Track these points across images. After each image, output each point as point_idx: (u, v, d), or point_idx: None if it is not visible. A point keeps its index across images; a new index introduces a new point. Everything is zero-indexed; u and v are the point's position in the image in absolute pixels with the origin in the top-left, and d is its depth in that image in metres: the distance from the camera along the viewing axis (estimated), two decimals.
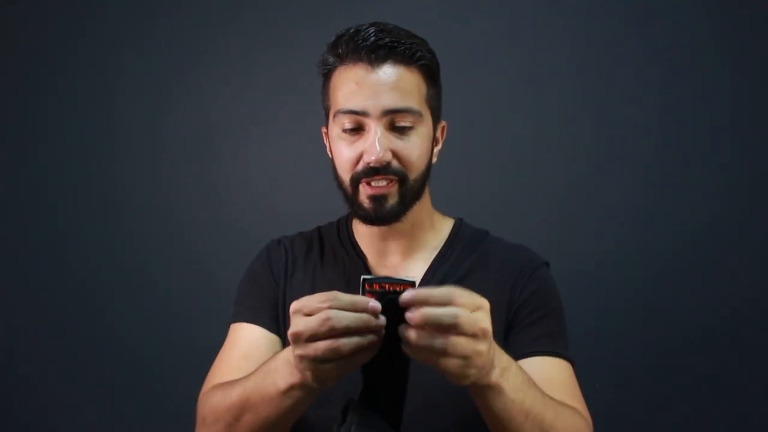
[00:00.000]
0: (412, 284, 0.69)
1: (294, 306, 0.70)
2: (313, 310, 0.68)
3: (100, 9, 1.84)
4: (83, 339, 1.80)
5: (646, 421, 1.65)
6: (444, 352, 0.66)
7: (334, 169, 1.02)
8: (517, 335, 1.00)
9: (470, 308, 0.67)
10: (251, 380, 0.82)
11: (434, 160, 1.05)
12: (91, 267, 1.81)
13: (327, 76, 1.02)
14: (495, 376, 0.73)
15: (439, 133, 1.06)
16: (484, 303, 0.69)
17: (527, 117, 1.73)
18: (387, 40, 0.95)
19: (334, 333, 0.66)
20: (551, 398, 0.83)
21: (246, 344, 1.01)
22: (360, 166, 0.96)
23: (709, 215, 1.66)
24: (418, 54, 0.97)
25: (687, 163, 1.68)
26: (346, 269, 1.06)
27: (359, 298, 0.68)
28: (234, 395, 0.84)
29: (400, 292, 0.68)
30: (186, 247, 1.80)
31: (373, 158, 0.94)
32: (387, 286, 0.69)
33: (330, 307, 0.67)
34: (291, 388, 0.75)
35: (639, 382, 1.66)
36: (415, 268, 1.04)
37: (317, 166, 1.73)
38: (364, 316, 0.67)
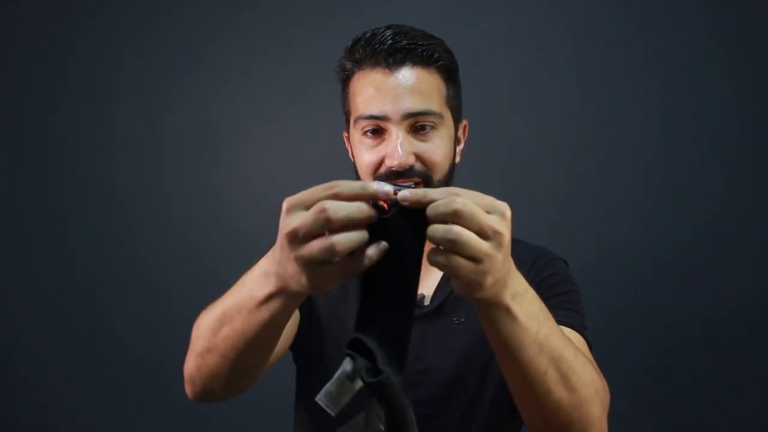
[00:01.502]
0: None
1: (288, 201, 0.62)
2: (311, 202, 0.60)
3: (100, 9, 1.84)
4: (83, 339, 1.80)
5: (646, 421, 1.65)
6: (452, 245, 0.60)
7: (356, 173, 1.01)
8: None
9: (480, 206, 0.61)
10: (230, 294, 0.77)
11: (458, 159, 1.03)
12: (91, 267, 1.81)
13: (345, 81, 1.00)
14: (506, 298, 0.66)
15: (460, 133, 1.05)
16: (501, 207, 0.63)
17: (527, 117, 1.73)
18: (404, 42, 0.94)
19: (331, 227, 0.59)
20: (571, 341, 0.75)
21: None
22: (382, 170, 0.95)
23: (709, 215, 1.66)
24: (436, 55, 0.95)
25: (687, 163, 1.68)
26: None
27: (368, 183, 0.60)
28: (214, 311, 0.79)
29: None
30: (186, 247, 1.80)
31: (395, 162, 0.92)
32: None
33: (330, 197, 0.59)
34: (269, 297, 0.69)
35: (639, 382, 1.66)
36: (437, 270, 1.03)
37: (318, 166, 1.73)
38: (365, 205, 0.59)
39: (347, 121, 1.03)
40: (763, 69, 1.67)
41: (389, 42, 0.94)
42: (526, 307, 0.68)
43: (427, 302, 1.00)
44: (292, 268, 0.63)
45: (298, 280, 0.63)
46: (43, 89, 1.85)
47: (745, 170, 1.66)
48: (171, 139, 1.83)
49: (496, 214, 0.62)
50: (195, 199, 1.81)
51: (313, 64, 1.75)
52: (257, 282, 0.70)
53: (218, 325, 0.77)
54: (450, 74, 0.99)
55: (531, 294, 0.70)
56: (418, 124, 0.94)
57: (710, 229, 1.66)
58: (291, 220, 0.60)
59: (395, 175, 0.94)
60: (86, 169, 1.83)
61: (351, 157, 1.04)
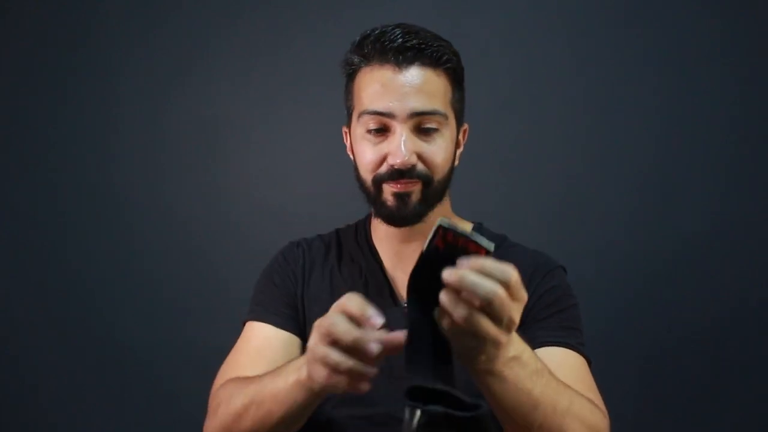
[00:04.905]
0: (487, 252, 0.62)
1: (339, 303, 0.68)
2: (354, 316, 0.66)
3: (100, 9, 1.84)
4: (83, 339, 1.80)
5: (645, 423, 1.65)
6: (465, 322, 0.62)
7: (355, 169, 1.02)
8: (527, 330, 0.95)
9: (512, 296, 0.64)
10: (267, 375, 0.83)
11: (456, 162, 1.04)
12: (91, 268, 1.81)
13: (351, 76, 1.01)
14: (498, 365, 0.69)
15: (461, 136, 1.06)
16: (525, 296, 0.65)
17: (527, 117, 1.73)
18: (414, 41, 0.95)
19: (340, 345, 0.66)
20: (567, 386, 0.79)
21: (258, 341, 1.01)
22: (383, 168, 0.96)
23: (709, 218, 1.66)
24: (445, 57, 0.97)
25: (687, 165, 1.68)
26: (363, 272, 1.06)
27: (369, 315, 0.66)
28: (249, 389, 0.84)
29: (471, 253, 0.62)
30: (188, 248, 1.80)
31: (398, 161, 0.94)
32: (460, 241, 0.62)
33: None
34: (296, 383, 0.75)
35: (639, 382, 1.66)
36: None
37: (320, 167, 1.74)
38: (356, 333, 0.64)
39: (349, 115, 1.03)
40: (764, 70, 1.66)
41: (399, 40, 0.95)
42: (516, 369, 0.71)
43: None
44: (315, 361, 0.68)
45: (317, 372, 0.69)
46: (43, 89, 1.85)
47: (746, 173, 1.66)
48: (171, 139, 1.82)
49: (519, 303, 0.66)
50: (196, 200, 1.81)
51: (315, 64, 1.75)
52: (294, 366, 0.77)
53: (250, 402, 0.83)
54: (456, 77, 1.00)
55: (526, 356, 0.72)
56: (422, 126, 0.95)
57: (710, 231, 1.65)
58: (335, 320, 0.66)
59: (398, 174, 0.95)
60: (86, 168, 1.83)
61: (350, 152, 1.05)
